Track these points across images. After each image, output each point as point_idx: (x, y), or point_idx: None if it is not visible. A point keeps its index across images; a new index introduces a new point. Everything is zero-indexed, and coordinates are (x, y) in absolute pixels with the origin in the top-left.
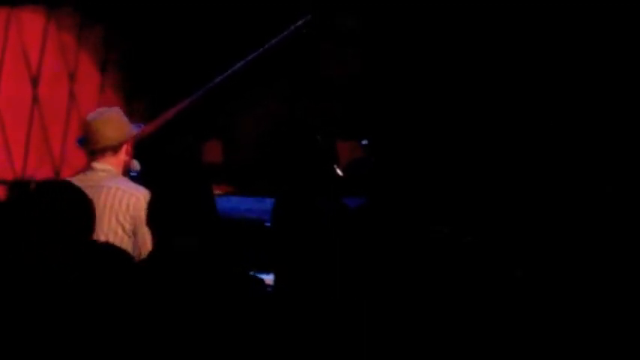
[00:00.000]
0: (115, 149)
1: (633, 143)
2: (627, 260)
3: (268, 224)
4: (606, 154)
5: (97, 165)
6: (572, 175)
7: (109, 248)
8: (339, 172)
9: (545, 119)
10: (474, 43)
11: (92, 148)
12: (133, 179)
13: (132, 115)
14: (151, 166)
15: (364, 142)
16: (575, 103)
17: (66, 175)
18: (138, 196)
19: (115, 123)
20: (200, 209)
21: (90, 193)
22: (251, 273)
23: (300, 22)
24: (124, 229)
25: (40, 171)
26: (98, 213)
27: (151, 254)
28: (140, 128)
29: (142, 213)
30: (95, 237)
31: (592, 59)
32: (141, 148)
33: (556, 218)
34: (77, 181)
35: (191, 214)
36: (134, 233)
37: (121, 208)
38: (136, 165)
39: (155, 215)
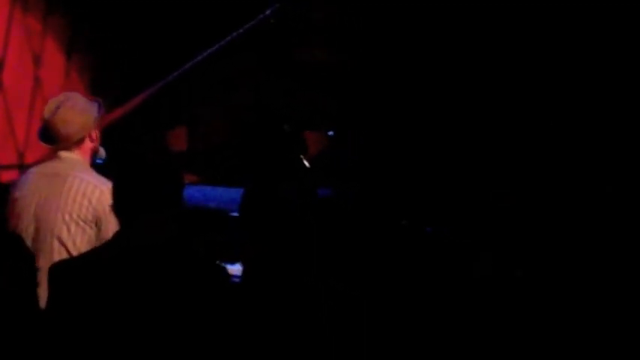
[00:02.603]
0: (77, 142)
1: (633, 143)
2: (627, 260)
3: (234, 214)
4: (605, 154)
5: (62, 153)
6: (570, 174)
7: None
8: (306, 162)
9: (538, 113)
10: (450, 32)
11: (54, 146)
12: (99, 166)
13: (90, 97)
14: (116, 155)
15: (331, 133)
16: (568, 101)
17: (30, 160)
18: (102, 189)
19: (73, 118)
20: (168, 198)
21: (54, 182)
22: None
23: (268, 11)
24: (85, 221)
25: (3, 156)
26: (61, 202)
27: (114, 241)
28: (100, 105)
29: (105, 205)
30: (57, 227)
31: (590, 59)
32: (106, 136)
33: (552, 217)
34: (41, 169)
35: (158, 202)
36: (96, 225)
37: (84, 199)
38: (102, 152)
39: (121, 202)
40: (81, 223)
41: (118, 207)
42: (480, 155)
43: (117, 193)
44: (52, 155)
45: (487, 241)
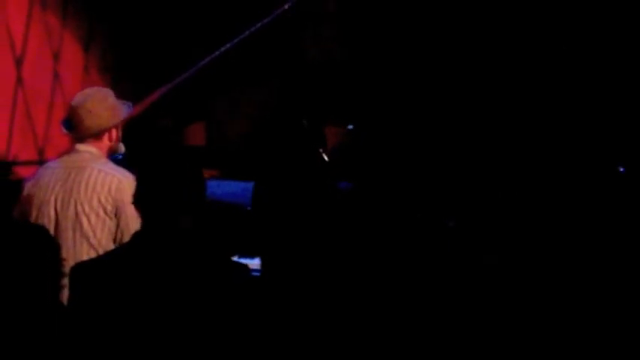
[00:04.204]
0: (97, 136)
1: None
2: (629, 258)
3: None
4: (606, 153)
5: (80, 147)
6: (572, 173)
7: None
8: (325, 156)
9: (531, 109)
10: (458, 26)
11: (75, 135)
12: (118, 162)
13: (116, 95)
14: (136, 150)
15: (350, 126)
16: (571, 100)
17: (50, 156)
18: (120, 179)
19: (99, 111)
20: (190, 193)
21: (72, 174)
22: (235, 258)
23: (285, 6)
24: (105, 211)
25: (23, 152)
26: (82, 193)
27: (135, 236)
28: (130, 108)
29: (124, 195)
30: (77, 219)
31: (590, 59)
32: (125, 131)
33: (558, 213)
34: (61, 162)
35: (181, 198)
36: (116, 215)
37: (103, 189)
38: (121, 148)
39: (143, 198)
40: (101, 213)
41: (140, 206)
42: (489, 151)
43: (140, 193)
44: (69, 149)
45: (493, 236)
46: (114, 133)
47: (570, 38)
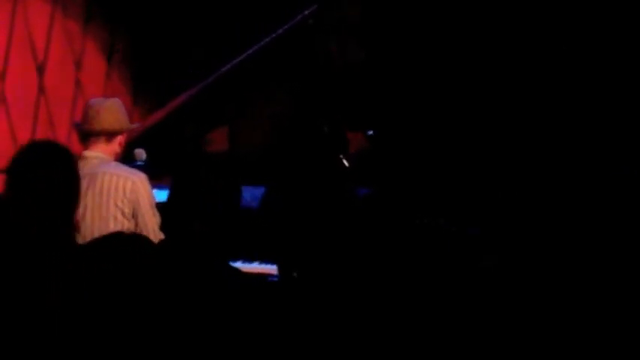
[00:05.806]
0: (109, 136)
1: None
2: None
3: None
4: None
5: (88, 153)
6: (575, 173)
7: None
8: (345, 162)
9: (543, 120)
10: (477, 35)
11: (88, 127)
12: (140, 168)
13: (138, 102)
14: (158, 156)
15: (370, 132)
16: (575, 100)
17: None
18: (134, 180)
19: (114, 111)
20: (227, 201)
21: (85, 181)
22: (256, 263)
23: (306, 12)
24: (123, 214)
25: None
26: (97, 199)
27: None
28: (135, 126)
29: (139, 195)
30: (96, 225)
31: (591, 58)
32: (149, 137)
33: (548, 214)
34: None
35: (218, 205)
36: (134, 216)
37: (118, 192)
38: (143, 154)
39: (180, 204)
40: (119, 216)
41: (170, 221)
42: (493, 153)
43: (172, 211)
44: (79, 157)
45: (494, 237)
46: (123, 139)
47: (570, 38)
